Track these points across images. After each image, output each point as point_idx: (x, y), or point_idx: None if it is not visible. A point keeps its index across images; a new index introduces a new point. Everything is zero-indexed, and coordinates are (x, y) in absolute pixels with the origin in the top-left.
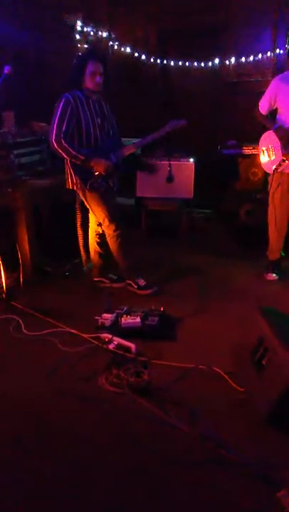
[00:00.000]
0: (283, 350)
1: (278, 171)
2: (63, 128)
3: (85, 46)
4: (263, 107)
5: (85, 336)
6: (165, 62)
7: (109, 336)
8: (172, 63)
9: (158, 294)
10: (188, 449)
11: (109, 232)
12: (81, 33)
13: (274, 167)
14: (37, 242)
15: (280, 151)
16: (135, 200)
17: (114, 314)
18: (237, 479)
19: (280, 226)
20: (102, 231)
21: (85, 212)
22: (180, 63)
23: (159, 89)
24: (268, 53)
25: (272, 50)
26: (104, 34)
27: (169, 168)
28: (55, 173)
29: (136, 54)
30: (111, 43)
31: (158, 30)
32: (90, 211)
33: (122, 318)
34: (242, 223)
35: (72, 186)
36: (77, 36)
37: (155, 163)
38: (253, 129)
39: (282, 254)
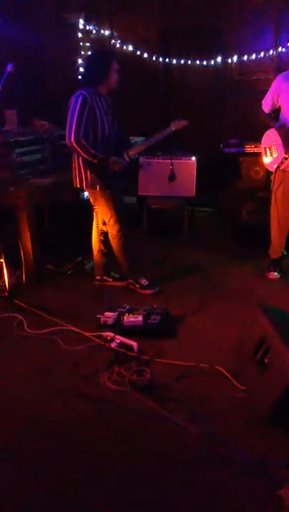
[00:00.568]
0: (285, 349)
1: (280, 168)
2: (82, 127)
3: (87, 45)
4: (266, 105)
5: (87, 334)
6: (167, 60)
7: (112, 335)
8: (174, 61)
9: (160, 293)
10: (189, 447)
11: (113, 232)
12: (83, 31)
13: (276, 165)
14: (39, 241)
15: (283, 149)
16: (137, 199)
17: (117, 313)
18: (238, 477)
19: (283, 224)
20: (107, 230)
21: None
22: (182, 62)
23: (161, 87)
24: (271, 51)
25: (275, 49)
26: (107, 32)
27: (171, 167)
28: (57, 171)
29: (138, 52)
30: (113, 41)
31: (160, 28)
32: (96, 209)
33: (124, 317)
34: (244, 222)
35: (81, 185)
36: (80, 34)
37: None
38: (255, 127)
39: (284, 252)
